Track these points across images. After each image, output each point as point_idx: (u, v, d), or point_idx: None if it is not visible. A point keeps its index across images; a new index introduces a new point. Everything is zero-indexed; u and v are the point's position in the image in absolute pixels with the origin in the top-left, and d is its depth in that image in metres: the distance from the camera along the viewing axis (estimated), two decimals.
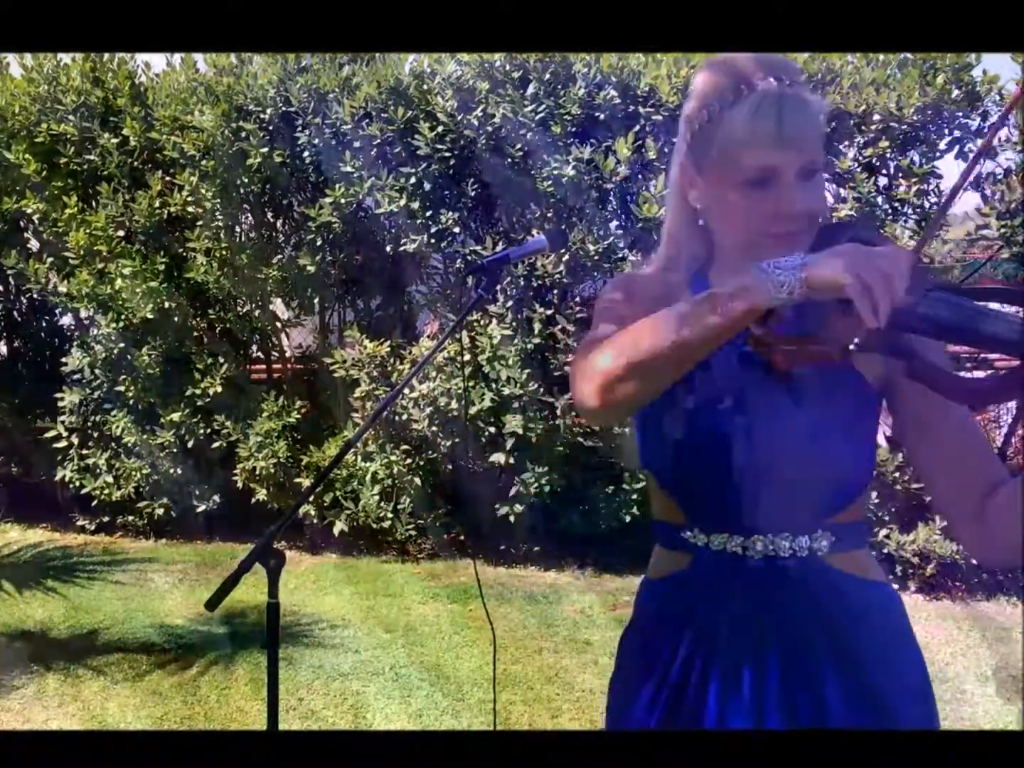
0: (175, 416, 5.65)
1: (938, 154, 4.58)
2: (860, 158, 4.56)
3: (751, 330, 1.20)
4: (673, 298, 1.27)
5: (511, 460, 5.02)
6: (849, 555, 1.30)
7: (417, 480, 5.34)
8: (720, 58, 1.28)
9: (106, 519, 6.05)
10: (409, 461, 5.33)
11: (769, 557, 1.28)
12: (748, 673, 1.26)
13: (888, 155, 4.57)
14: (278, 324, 5.96)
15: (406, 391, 5.05)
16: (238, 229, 5.85)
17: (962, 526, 1.25)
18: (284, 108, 5.23)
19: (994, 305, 1.17)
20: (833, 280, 1.02)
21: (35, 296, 6.07)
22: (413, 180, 5.01)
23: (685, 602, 1.32)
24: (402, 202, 5.01)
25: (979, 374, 1.16)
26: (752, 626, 1.27)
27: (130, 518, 5.96)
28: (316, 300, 5.79)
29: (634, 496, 4.96)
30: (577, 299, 4.90)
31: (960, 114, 4.50)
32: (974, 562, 4.50)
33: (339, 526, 5.40)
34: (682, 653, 1.30)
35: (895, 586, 5.12)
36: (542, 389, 4.94)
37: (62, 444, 5.96)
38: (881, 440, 1.34)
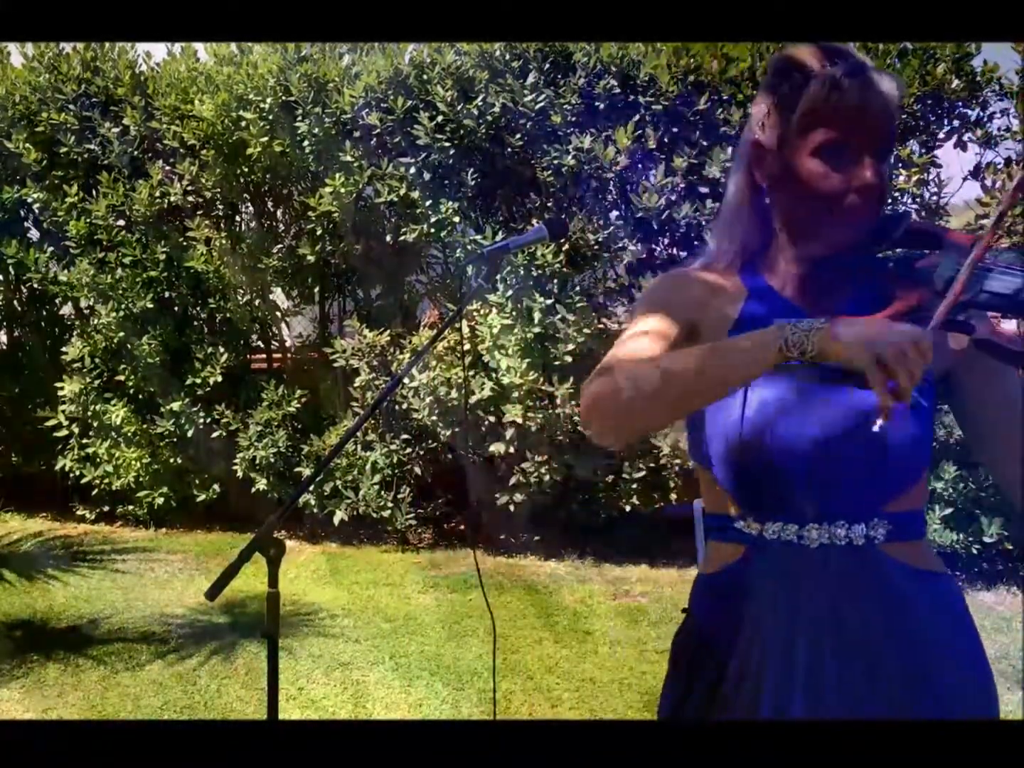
0: (175, 405, 5.65)
1: (937, 144, 4.57)
2: None
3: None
4: (720, 302, 1.32)
5: (511, 449, 5.02)
6: (907, 545, 1.29)
7: (417, 469, 5.35)
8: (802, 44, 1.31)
9: (106, 508, 6.06)
10: (409, 450, 5.34)
11: (825, 545, 1.26)
12: (804, 663, 1.24)
13: None
14: (278, 313, 5.96)
15: (406, 380, 5.05)
16: (238, 218, 5.85)
17: (1015, 490, 1.27)
18: (284, 97, 5.22)
19: None
20: (847, 359, 1.07)
21: (35, 285, 6.06)
22: (413, 170, 5.00)
23: (739, 594, 1.30)
24: (402, 191, 5.00)
25: None
26: (808, 614, 1.25)
27: (130, 507, 5.96)
28: (316, 289, 5.80)
29: (634, 486, 4.97)
30: (577, 288, 4.89)
31: (960, 104, 4.49)
32: (974, 551, 4.51)
33: (339, 515, 5.40)
34: (740, 645, 1.28)
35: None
36: (542, 379, 4.94)
37: (62, 433, 5.96)
38: None
